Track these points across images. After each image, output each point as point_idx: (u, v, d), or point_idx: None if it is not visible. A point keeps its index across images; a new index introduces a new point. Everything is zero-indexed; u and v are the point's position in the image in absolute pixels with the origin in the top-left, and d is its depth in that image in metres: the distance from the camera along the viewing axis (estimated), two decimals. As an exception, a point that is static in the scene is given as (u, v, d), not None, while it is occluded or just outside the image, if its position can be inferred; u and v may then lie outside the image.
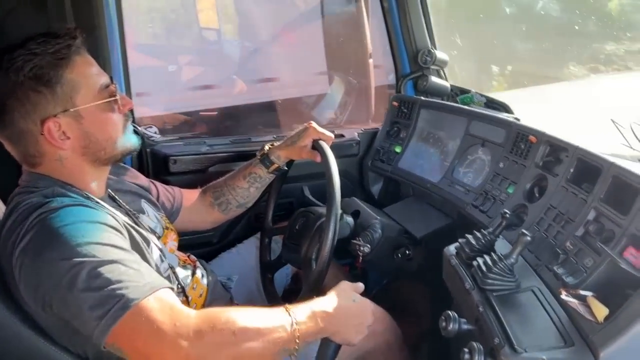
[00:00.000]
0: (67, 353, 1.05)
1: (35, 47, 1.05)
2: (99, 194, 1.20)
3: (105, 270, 0.93)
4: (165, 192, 1.55)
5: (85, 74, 1.11)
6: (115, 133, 1.17)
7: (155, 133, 1.84)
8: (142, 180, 1.49)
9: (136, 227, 1.19)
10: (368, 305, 1.20)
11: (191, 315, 0.92)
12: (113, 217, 1.09)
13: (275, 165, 1.61)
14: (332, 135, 1.58)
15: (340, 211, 1.35)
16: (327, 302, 1.10)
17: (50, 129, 1.07)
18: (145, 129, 1.82)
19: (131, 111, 1.30)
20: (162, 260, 1.22)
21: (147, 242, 1.18)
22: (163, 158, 1.81)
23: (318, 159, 1.52)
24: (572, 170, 1.31)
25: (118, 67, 1.72)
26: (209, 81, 2.71)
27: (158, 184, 1.56)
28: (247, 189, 1.63)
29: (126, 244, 1.04)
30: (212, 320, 0.92)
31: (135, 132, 1.75)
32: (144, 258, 1.11)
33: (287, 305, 1.03)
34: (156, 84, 2.50)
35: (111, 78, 1.18)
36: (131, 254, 1.01)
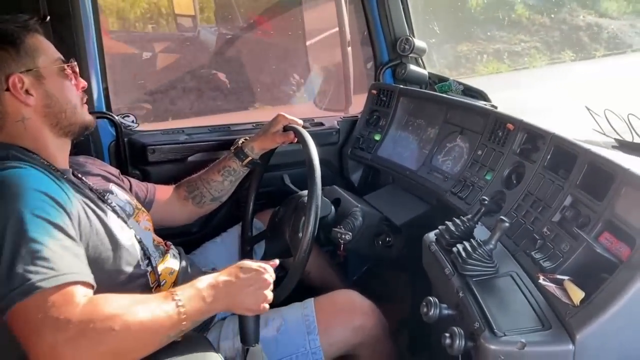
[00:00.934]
0: None
1: (3, 17, 1.17)
2: (61, 165, 1.21)
3: (26, 247, 0.91)
4: (138, 184, 1.56)
5: (45, 43, 1.21)
6: (73, 99, 1.23)
7: (133, 122, 1.81)
8: (112, 169, 1.50)
9: (92, 198, 1.19)
10: (261, 270, 1.15)
11: (76, 312, 0.88)
12: (59, 186, 1.08)
13: (249, 158, 1.64)
14: (301, 122, 1.64)
15: (320, 181, 1.38)
16: (211, 279, 1.09)
17: (15, 84, 1.13)
18: (123, 118, 1.79)
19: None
20: (122, 229, 1.21)
21: (103, 211, 1.19)
22: (141, 147, 1.79)
23: (291, 136, 1.59)
24: (548, 157, 1.33)
25: (94, 55, 1.69)
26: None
27: (130, 178, 1.56)
28: (221, 182, 1.64)
29: (63, 219, 1.01)
30: (93, 318, 0.89)
31: (112, 121, 1.74)
32: (96, 227, 1.11)
33: (172, 290, 1.03)
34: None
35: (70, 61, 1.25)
36: (62, 232, 0.98)
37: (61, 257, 0.93)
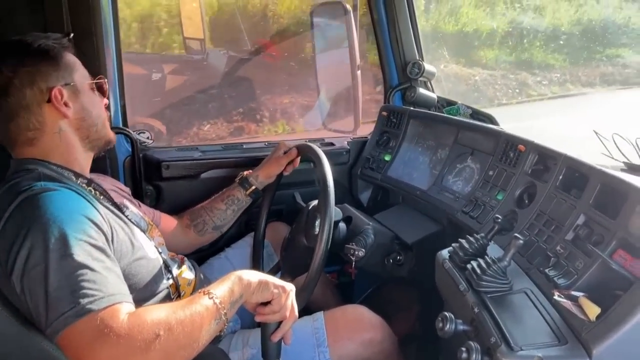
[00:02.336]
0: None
1: (41, 34, 1.22)
2: (85, 174, 1.26)
3: (74, 271, 0.94)
4: (145, 207, 1.59)
5: (78, 61, 1.27)
6: (102, 114, 1.30)
7: (148, 138, 1.85)
8: (124, 187, 1.54)
9: (119, 215, 1.23)
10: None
11: (123, 328, 0.91)
12: (94, 207, 1.10)
13: (253, 187, 1.70)
14: (296, 151, 1.72)
15: (333, 191, 1.43)
16: (238, 273, 1.10)
17: (56, 96, 1.18)
18: (138, 134, 1.83)
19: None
20: (148, 242, 1.27)
21: (130, 228, 1.22)
22: (156, 163, 1.81)
23: (294, 154, 1.69)
24: (560, 177, 1.36)
25: (113, 72, 1.73)
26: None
27: (139, 202, 1.59)
28: (224, 210, 1.68)
29: (102, 239, 1.04)
30: (139, 330, 0.91)
31: (128, 137, 1.77)
32: (127, 244, 1.15)
33: (203, 289, 1.05)
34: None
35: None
36: (103, 253, 1.01)
37: (106, 278, 0.96)
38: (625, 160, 1.61)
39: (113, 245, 1.09)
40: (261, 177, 1.70)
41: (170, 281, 1.29)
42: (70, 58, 1.24)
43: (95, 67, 1.66)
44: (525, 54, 7.95)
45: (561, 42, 8.06)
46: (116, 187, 1.47)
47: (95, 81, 1.28)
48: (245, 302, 1.10)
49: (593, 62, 7.99)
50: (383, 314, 1.52)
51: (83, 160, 1.26)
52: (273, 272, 1.70)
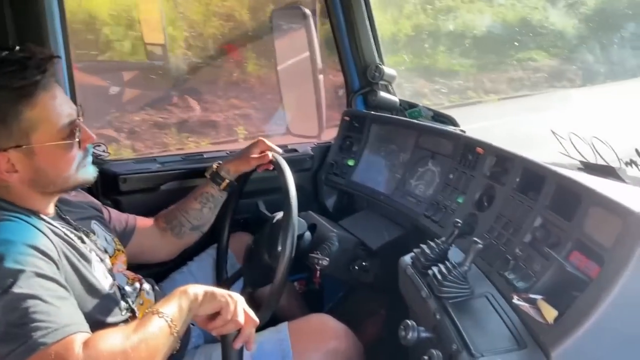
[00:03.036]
0: None
1: (1, 79, 1.02)
2: (46, 214, 1.17)
3: (22, 304, 0.89)
4: (117, 215, 1.53)
5: (48, 111, 1.08)
6: (67, 170, 1.14)
7: (104, 152, 1.79)
8: (93, 200, 1.47)
9: (78, 245, 1.16)
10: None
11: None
12: (45, 235, 1.06)
13: (227, 182, 1.63)
14: (281, 150, 1.64)
15: (296, 201, 1.40)
16: (185, 289, 1.08)
17: None
18: (93, 147, 1.77)
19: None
20: (106, 277, 1.21)
21: (88, 261, 1.16)
22: (112, 177, 1.76)
23: (267, 159, 1.59)
24: (517, 179, 1.37)
25: (64, 84, 1.67)
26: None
27: (110, 209, 1.53)
28: (199, 210, 1.62)
29: (51, 269, 1.00)
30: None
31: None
32: (81, 277, 1.10)
33: (153, 309, 1.03)
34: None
35: (79, 108, 1.15)
36: (55, 282, 0.98)
37: (58, 308, 0.93)
38: (582, 160, 1.64)
39: (67, 277, 1.05)
40: (232, 171, 1.64)
41: (128, 313, 1.24)
42: (35, 114, 1.05)
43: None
44: (427, 60, 7.52)
45: (467, 46, 7.66)
46: (86, 204, 1.40)
47: (62, 142, 1.09)
48: (195, 316, 1.08)
49: (502, 67, 7.62)
50: (350, 321, 1.51)
51: (43, 201, 1.17)
52: (234, 279, 1.68)
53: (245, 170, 1.66)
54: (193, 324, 1.39)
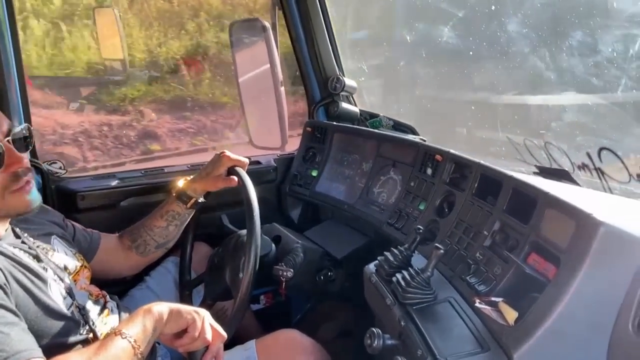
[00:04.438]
0: None
1: None
2: None
3: None
4: (81, 231, 1.49)
5: None
6: None
7: (60, 168, 1.75)
8: (55, 216, 1.42)
9: (32, 266, 1.12)
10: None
11: None
12: None
13: (193, 200, 1.58)
14: (247, 161, 1.58)
15: (259, 223, 1.38)
16: (149, 308, 1.08)
17: None
18: (50, 164, 1.72)
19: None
20: (64, 298, 1.17)
21: (44, 281, 1.13)
22: (70, 194, 1.72)
23: (234, 183, 1.53)
24: (476, 185, 1.40)
25: (16, 102, 1.62)
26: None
27: (75, 223, 1.49)
28: (165, 227, 1.58)
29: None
30: None
31: (38, 169, 1.66)
32: (35, 298, 1.06)
33: (117, 329, 1.02)
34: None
35: (8, 131, 1.10)
36: (2, 309, 0.95)
37: (7, 335, 0.90)
38: (537, 164, 1.69)
39: (18, 301, 1.01)
40: (199, 190, 1.58)
41: (89, 334, 1.20)
42: None
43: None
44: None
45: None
46: (46, 220, 1.35)
47: None
48: (161, 334, 1.05)
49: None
50: (318, 334, 1.51)
51: None
52: (193, 286, 1.65)
53: (212, 190, 1.61)
54: (159, 343, 1.36)
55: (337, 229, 1.91)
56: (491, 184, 1.34)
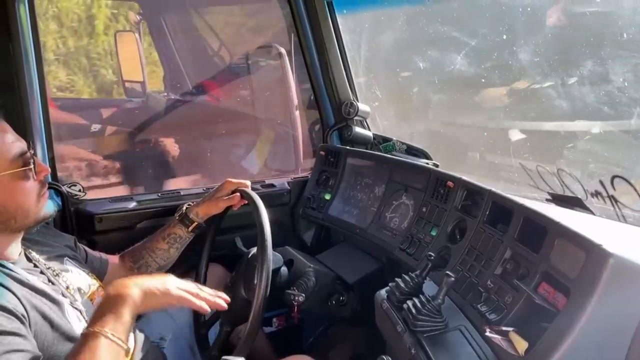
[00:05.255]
0: None
1: None
2: (10, 258, 1.17)
3: None
4: (92, 254, 1.53)
5: None
6: (27, 202, 1.16)
7: (80, 191, 1.79)
8: (67, 238, 1.46)
9: (47, 290, 1.15)
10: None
11: None
12: (8, 290, 1.05)
13: (195, 224, 1.61)
14: (249, 182, 1.63)
15: (270, 241, 1.40)
16: (106, 297, 1.09)
17: None
18: (70, 187, 1.77)
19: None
20: (79, 320, 1.19)
21: (59, 305, 1.15)
22: (88, 217, 1.76)
23: (235, 200, 1.59)
24: (487, 212, 1.41)
25: (39, 125, 1.68)
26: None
27: (86, 247, 1.53)
28: (166, 250, 1.61)
29: (14, 325, 1.00)
30: None
31: (58, 191, 1.71)
32: (53, 324, 1.09)
33: (98, 330, 1.01)
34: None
35: (29, 144, 1.18)
36: (14, 336, 0.98)
37: None
38: (550, 191, 1.69)
39: (35, 328, 1.04)
40: (201, 214, 1.62)
41: None
42: None
43: (18, 121, 1.61)
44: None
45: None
46: (58, 243, 1.39)
47: (14, 169, 1.12)
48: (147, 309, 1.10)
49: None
50: (329, 359, 1.51)
51: (5, 241, 1.16)
52: (212, 321, 1.66)
53: (215, 213, 1.65)
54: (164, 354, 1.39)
55: (350, 252, 1.92)
56: (502, 211, 1.35)
